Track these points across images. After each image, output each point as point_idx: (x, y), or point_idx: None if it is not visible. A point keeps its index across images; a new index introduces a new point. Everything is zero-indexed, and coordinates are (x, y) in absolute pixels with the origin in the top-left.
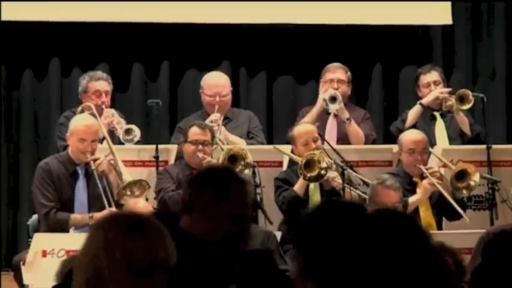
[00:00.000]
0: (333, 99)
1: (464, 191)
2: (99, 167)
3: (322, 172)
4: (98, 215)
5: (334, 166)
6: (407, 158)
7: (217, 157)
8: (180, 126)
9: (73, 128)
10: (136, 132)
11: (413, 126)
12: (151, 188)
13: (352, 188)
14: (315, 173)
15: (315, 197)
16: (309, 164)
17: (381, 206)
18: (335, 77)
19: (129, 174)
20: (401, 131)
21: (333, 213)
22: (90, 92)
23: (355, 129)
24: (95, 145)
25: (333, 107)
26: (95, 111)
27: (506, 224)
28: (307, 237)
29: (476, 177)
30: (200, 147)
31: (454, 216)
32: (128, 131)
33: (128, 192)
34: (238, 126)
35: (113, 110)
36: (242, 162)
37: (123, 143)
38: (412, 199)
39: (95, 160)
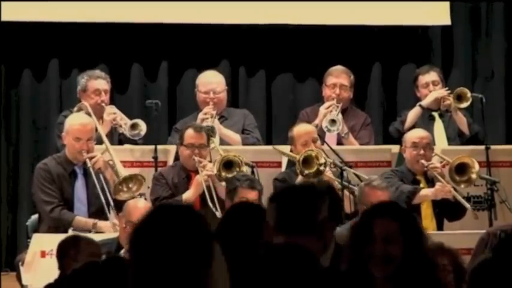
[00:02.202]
0: (333, 121)
1: (463, 185)
2: (96, 164)
3: (321, 168)
4: (101, 224)
5: (331, 166)
6: (411, 153)
7: (215, 158)
8: (176, 127)
9: (68, 127)
10: (142, 126)
11: (412, 128)
12: (149, 190)
13: (350, 187)
14: (313, 169)
15: None
16: (307, 161)
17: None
18: (338, 82)
19: (124, 170)
20: (400, 132)
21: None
22: (90, 91)
23: (352, 143)
24: (90, 143)
25: (333, 129)
26: (90, 110)
27: (506, 224)
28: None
29: (476, 168)
30: (196, 151)
31: (455, 216)
32: (133, 126)
33: (124, 188)
34: (234, 125)
35: (114, 107)
36: (237, 169)
37: (122, 143)
38: (424, 192)
39: (91, 158)
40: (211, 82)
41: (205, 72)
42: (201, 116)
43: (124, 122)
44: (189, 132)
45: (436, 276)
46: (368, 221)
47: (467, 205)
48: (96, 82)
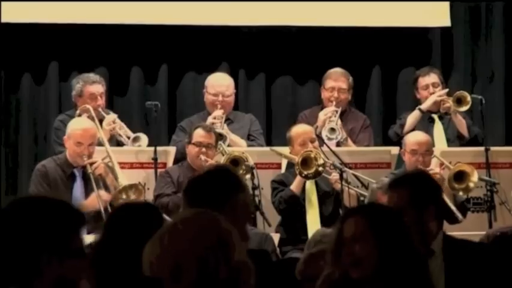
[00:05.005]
0: (332, 130)
1: (461, 192)
2: (96, 170)
3: (320, 169)
4: (84, 203)
5: (331, 167)
6: (410, 159)
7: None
8: (181, 125)
9: (70, 131)
10: (144, 140)
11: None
12: (149, 191)
13: (350, 186)
14: (312, 170)
15: (312, 196)
16: (306, 162)
17: None
18: (336, 86)
19: (125, 178)
20: (399, 136)
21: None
22: (86, 96)
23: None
24: (92, 148)
25: (332, 137)
26: (93, 114)
27: (505, 226)
28: None
29: (475, 178)
30: (203, 149)
31: (454, 219)
32: (135, 139)
33: (124, 196)
34: (240, 129)
35: (114, 116)
36: (243, 166)
37: (122, 144)
38: None
39: (91, 163)
40: (221, 85)
41: (215, 74)
42: (210, 120)
43: (123, 132)
44: (199, 131)
45: (426, 274)
46: (340, 223)
47: (460, 216)
48: (92, 87)
